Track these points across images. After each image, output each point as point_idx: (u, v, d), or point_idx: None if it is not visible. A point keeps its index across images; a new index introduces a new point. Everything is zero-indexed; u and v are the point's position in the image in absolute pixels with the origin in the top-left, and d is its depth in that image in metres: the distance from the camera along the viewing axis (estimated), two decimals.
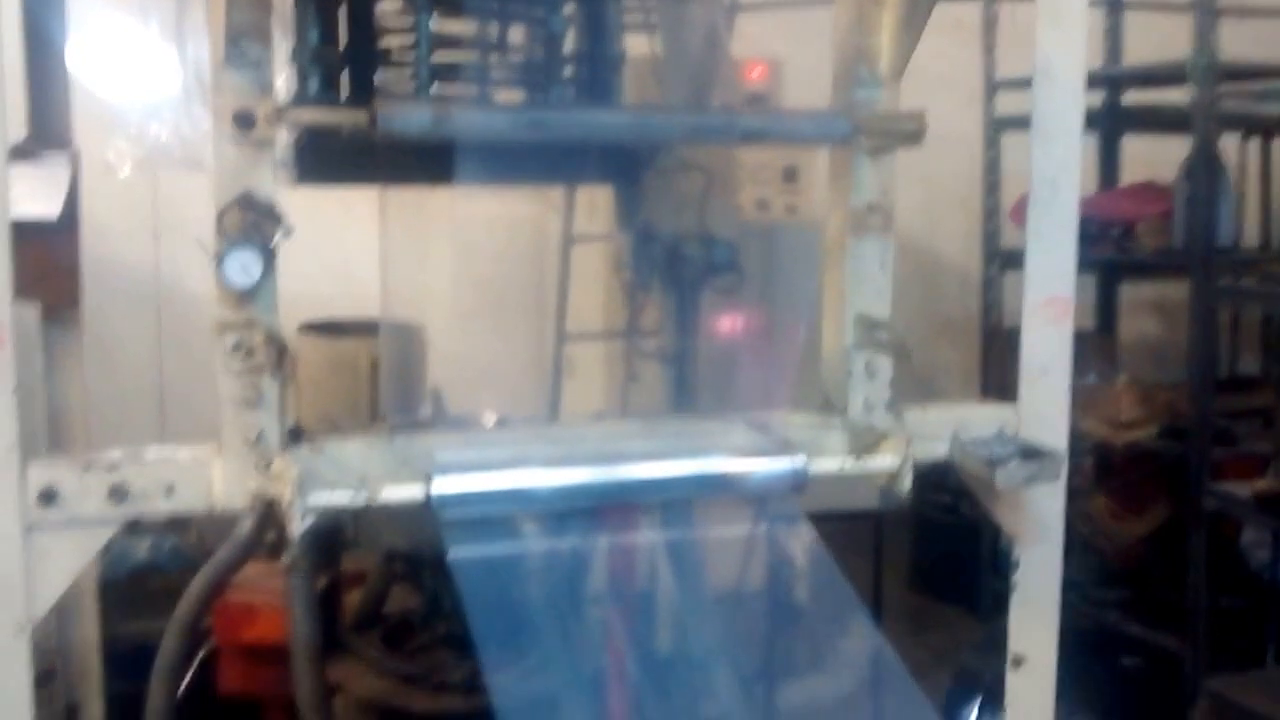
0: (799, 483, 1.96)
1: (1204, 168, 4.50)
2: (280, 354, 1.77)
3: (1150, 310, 6.62)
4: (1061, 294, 2.23)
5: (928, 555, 5.87)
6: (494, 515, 1.85)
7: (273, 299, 1.77)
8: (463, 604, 1.81)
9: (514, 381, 3.66)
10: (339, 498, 1.77)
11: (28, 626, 1.73)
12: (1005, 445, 2.15)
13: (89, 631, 3.60)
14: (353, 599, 3.09)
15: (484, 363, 3.62)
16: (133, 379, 5.10)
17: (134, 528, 4.58)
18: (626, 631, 2.48)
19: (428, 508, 1.76)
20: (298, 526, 1.72)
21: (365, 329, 4.45)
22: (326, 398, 4.15)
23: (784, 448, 2.01)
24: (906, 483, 2.04)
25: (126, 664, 3.18)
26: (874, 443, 2.09)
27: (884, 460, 2.06)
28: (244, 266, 1.69)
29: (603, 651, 2.34)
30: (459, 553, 1.81)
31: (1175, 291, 5.17)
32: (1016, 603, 2.29)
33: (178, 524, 4.62)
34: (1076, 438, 4.77)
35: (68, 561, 1.75)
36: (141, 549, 4.48)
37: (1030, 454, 2.12)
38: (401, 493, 1.78)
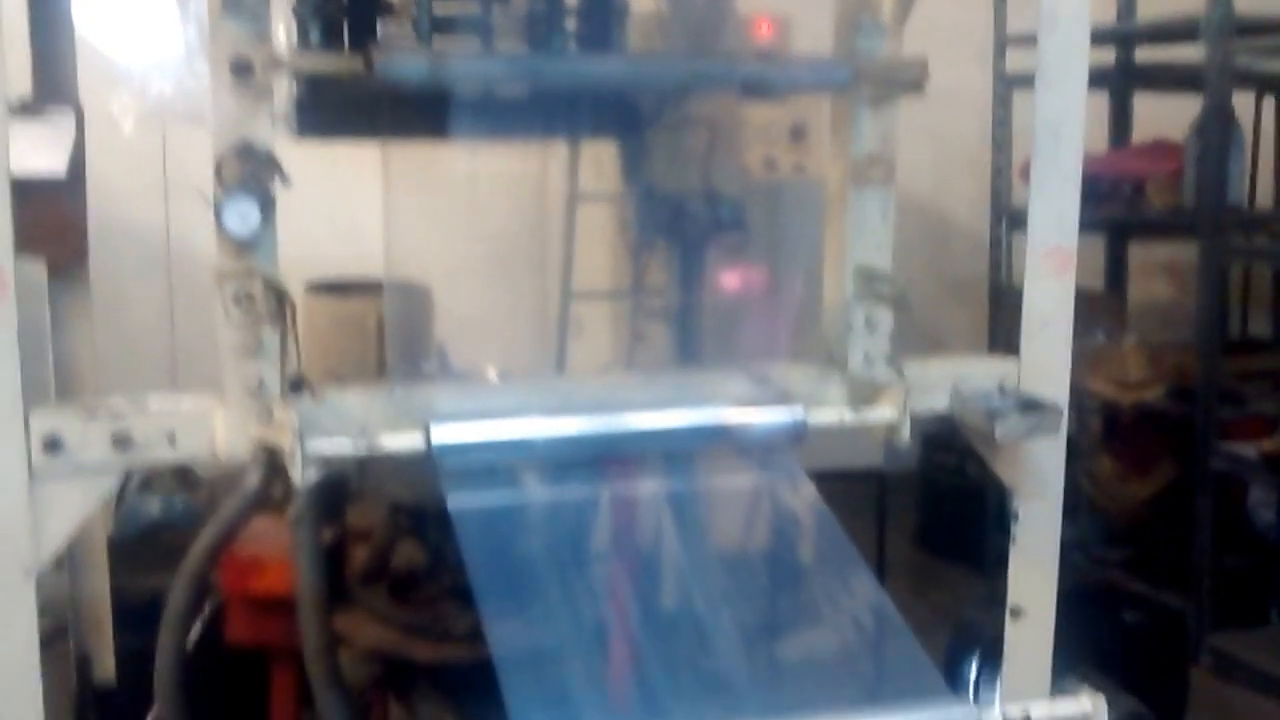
0: (798, 433, 1.97)
1: (1216, 124, 4.47)
2: (280, 304, 1.78)
3: (1161, 273, 6.59)
4: (1063, 245, 2.23)
5: (934, 515, 5.89)
6: (493, 464, 1.86)
7: (272, 249, 1.78)
8: (462, 554, 1.83)
9: (519, 341, 3.66)
10: (339, 446, 1.78)
11: (34, 571, 1.75)
12: (1005, 398, 2.16)
13: (100, 585, 3.64)
14: (359, 554, 3.11)
15: (489, 322, 3.62)
16: (144, 340, 5.13)
17: (146, 485, 4.64)
18: (627, 583, 2.50)
19: (427, 456, 1.78)
20: (299, 474, 1.73)
21: (373, 289, 4.47)
22: (334, 357, 4.17)
23: (783, 398, 2.02)
24: (905, 434, 2.04)
25: (138, 618, 3.21)
26: (873, 395, 2.10)
27: (883, 412, 2.06)
28: (242, 216, 1.70)
29: (603, 603, 2.36)
30: (458, 502, 1.82)
31: (1186, 254, 5.15)
32: (1015, 555, 2.30)
33: (189, 482, 4.67)
34: (1083, 397, 4.80)
35: (72, 508, 1.77)
36: (153, 507, 4.53)
37: (1030, 407, 2.12)
38: (401, 441, 1.80)
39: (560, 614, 1.98)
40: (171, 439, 1.78)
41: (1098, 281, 5.67)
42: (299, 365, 1.85)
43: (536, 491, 1.90)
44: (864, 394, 2.10)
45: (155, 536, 4.23)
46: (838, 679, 2.06)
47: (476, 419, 1.83)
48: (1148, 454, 4.91)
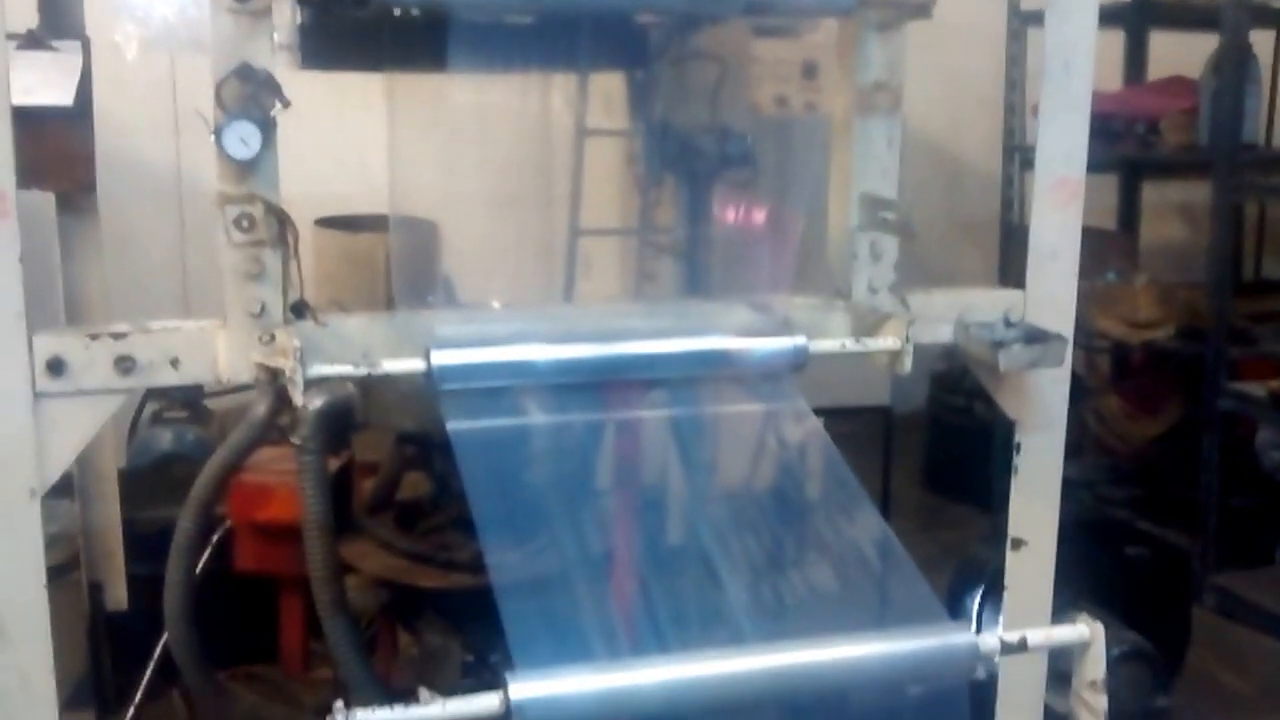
0: (799, 361, 1.96)
1: (1232, 61, 4.41)
2: (282, 227, 1.79)
3: (1174, 213, 6.54)
4: (1072, 176, 2.21)
5: (942, 456, 5.89)
6: (495, 390, 1.86)
7: (273, 173, 1.78)
8: (463, 479, 1.83)
9: (526, 277, 3.66)
10: (341, 370, 1.79)
11: (40, 492, 1.77)
12: (1010, 329, 2.15)
13: (111, 515, 3.68)
14: (367, 487, 3.14)
15: (495, 257, 3.61)
16: (156, 275, 5.14)
17: (157, 418, 4.67)
18: (629, 511, 2.51)
19: (428, 380, 1.78)
20: (300, 397, 1.74)
21: (381, 224, 4.46)
22: (343, 292, 4.17)
23: (785, 327, 2.01)
24: (908, 364, 2.04)
25: (149, 547, 3.26)
26: (876, 324, 2.09)
27: (886, 341, 2.05)
28: (243, 138, 1.70)
29: (605, 531, 2.37)
30: (459, 425, 1.83)
31: (1201, 196, 5.10)
32: (1017, 487, 2.31)
33: (200, 415, 4.69)
34: (1092, 337, 4.78)
35: (77, 430, 1.79)
36: (164, 439, 4.56)
37: (1035, 338, 2.12)
38: (402, 365, 1.80)
39: (561, 541, 1.99)
40: (174, 362, 1.79)
41: (1111, 222, 5.63)
42: (301, 290, 1.85)
43: (537, 417, 1.90)
44: (867, 323, 2.10)
45: (166, 468, 4.25)
46: (838, 607, 2.07)
47: (477, 344, 1.83)
48: (1156, 394, 4.90)
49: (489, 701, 1.42)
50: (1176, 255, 6.14)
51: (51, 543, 3.47)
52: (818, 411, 2.09)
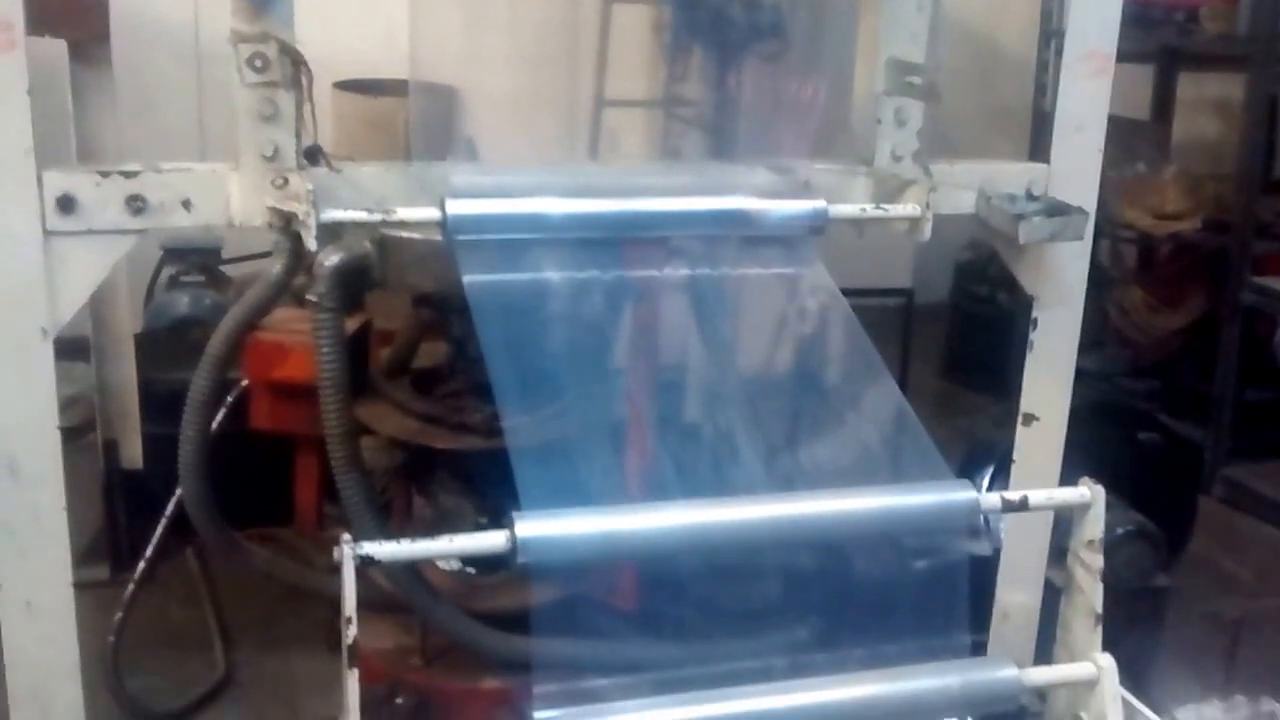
0: (818, 224, 1.93)
1: None
2: (296, 69, 1.75)
3: (1210, 108, 6.41)
4: (1102, 49, 2.16)
5: (963, 345, 5.88)
6: (510, 242, 1.84)
7: (288, 12, 1.74)
8: (478, 334, 1.82)
9: (548, 148, 3.61)
10: (354, 215, 1.77)
11: (52, 332, 1.76)
12: (1032, 201, 2.12)
13: (127, 375, 3.71)
14: (384, 355, 3.14)
15: (518, 126, 3.57)
16: (174, 137, 5.10)
17: (175, 282, 4.68)
18: (645, 375, 2.51)
19: (443, 229, 1.76)
20: (312, 242, 1.72)
21: (402, 88, 4.41)
22: (363, 156, 4.13)
23: (805, 190, 1.98)
24: (927, 231, 2.01)
25: (165, 408, 3.28)
26: (898, 191, 2.06)
27: (906, 209, 2.02)
28: None
29: (620, 393, 2.38)
30: (474, 278, 1.81)
31: (1238, 92, 4.99)
32: (1032, 362, 2.30)
33: (217, 280, 4.70)
34: (1118, 227, 4.72)
35: (88, 271, 1.77)
36: (182, 303, 4.57)
37: (1056, 210, 2.09)
38: (416, 214, 1.78)
39: (575, 400, 1.99)
40: (186, 204, 1.77)
41: (1144, 113, 5.53)
42: (315, 135, 1.83)
43: (553, 273, 1.88)
44: (889, 189, 2.07)
45: (183, 332, 4.27)
46: (850, 474, 2.07)
47: (493, 195, 1.81)
48: (1179, 286, 4.85)
49: (495, 539, 1.43)
50: (1210, 151, 6.03)
51: (68, 404, 3.53)
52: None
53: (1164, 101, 5.57)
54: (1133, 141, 4.83)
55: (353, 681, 1.37)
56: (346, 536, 1.37)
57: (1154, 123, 5.48)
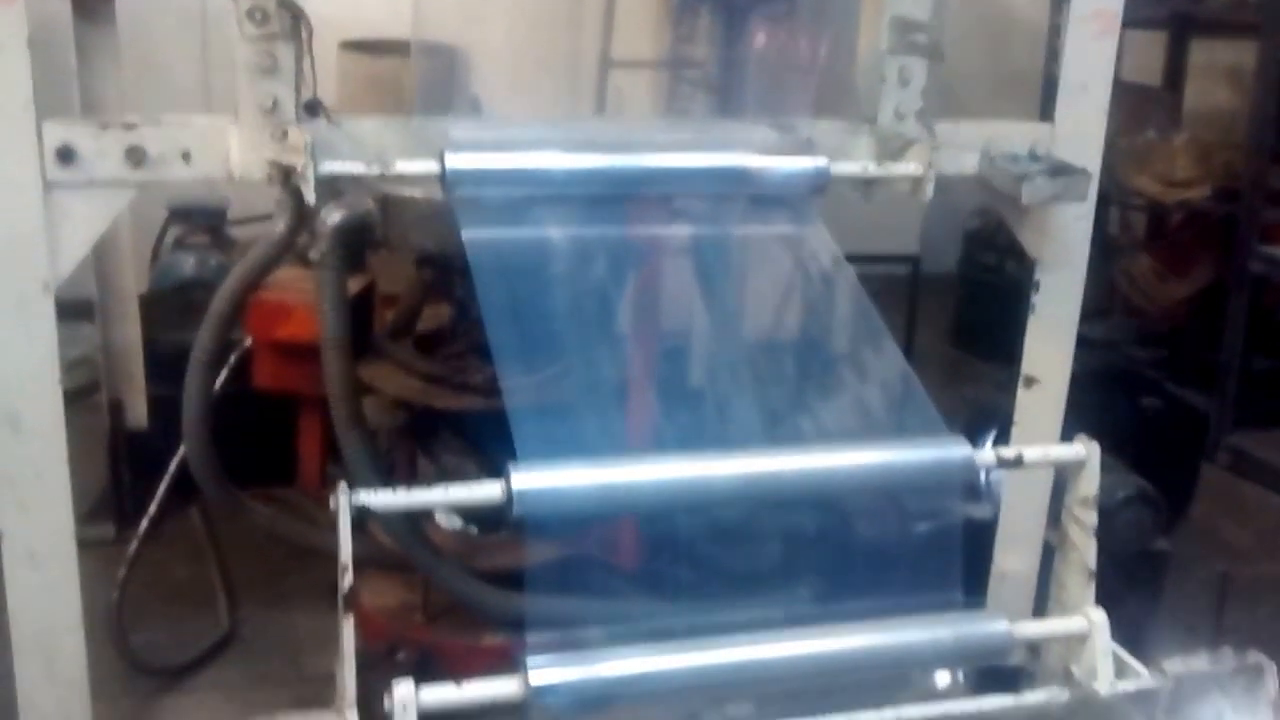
0: (820, 183, 1.93)
1: None
2: (295, 22, 1.75)
3: (1222, 76, 6.36)
4: (1108, 8, 2.14)
5: (970, 313, 5.87)
6: (511, 198, 1.84)
7: None
8: (476, 289, 1.82)
9: (555, 109, 3.60)
10: (353, 168, 1.77)
11: (53, 286, 1.77)
12: (1035, 162, 2.11)
13: (131, 335, 3.72)
14: (388, 317, 3.14)
15: (524, 87, 3.55)
16: (179, 99, 5.08)
17: (180, 244, 4.68)
18: (646, 335, 2.51)
19: (442, 183, 1.76)
20: (311, 195, 1.72)
21: (407, 49, 4.38)
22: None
23: (807, 147, 1.98)
24: (929, 190, 2.00)
25: (169, 368, 3.28)
26: (900, 150, 2.05)
27: (908, 167, 2.02)
28: None
29: (621, 352, 2.37)
30: (474, 234, 1.81)
31: (1250, 60, 4.95)
32: (1034, 325, 2.30)
33: (222, 241, 4.70)
34: (1127, 194, 4.69)
35: (88, 223, 1.78)
36: (187, 264, 4.57)
37: (1059, 171, 2.08)
38: (416, 167, 1.78)
39: (574, 359, 1.99)
40: (186, 156, 1.77)
41: (1155, 80, 5.49)
42: (315, 88, 1.82)
43: (553, 229, 1.88)
44: (891, 148, 2.06)
45: (188, 293, 4.27)
46: (843, 419, 2.08)
47: (493, 150, 1.80)
48: (1187, 254, 4.83)
49: (491, 489, 1.44)
50: (1221, 119, 5.99)
51: (73, 365, 3.53)
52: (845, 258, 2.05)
53: (1176, 68, 5.53)
54: (1143, 108, 4.80)
55: (348, 629, 1.38)
56: (343, 485, 1.37)
57: (1165, 90, 5.43)
